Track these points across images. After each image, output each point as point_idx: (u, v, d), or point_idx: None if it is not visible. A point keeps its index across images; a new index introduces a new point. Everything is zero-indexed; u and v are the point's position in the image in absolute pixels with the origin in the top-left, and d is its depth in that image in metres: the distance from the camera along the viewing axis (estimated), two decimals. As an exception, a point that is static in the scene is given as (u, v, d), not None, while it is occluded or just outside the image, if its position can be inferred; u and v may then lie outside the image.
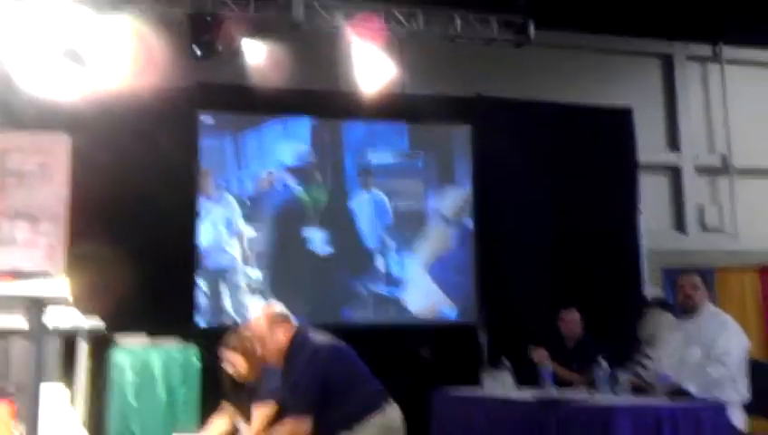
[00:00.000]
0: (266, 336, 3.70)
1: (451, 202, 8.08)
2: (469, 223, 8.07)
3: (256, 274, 7.43)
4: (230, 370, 4.29)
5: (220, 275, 7.34)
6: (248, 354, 4.20)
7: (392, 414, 3.76)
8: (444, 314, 7.82)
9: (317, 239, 7.65)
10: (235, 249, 7.42)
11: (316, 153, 7.79)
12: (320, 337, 3.81)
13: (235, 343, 4.26)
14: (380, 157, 7.96)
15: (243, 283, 7.39)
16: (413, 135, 8.09)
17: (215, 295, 7.29)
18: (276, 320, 3.71)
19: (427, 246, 7.93)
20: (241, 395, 4.39)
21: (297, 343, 3.73)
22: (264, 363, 4.20)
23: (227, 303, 7.32)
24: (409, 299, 7.76)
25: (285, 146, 7.73)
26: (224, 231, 7.42)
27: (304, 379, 3.62)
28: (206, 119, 7.53)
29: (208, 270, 7.31)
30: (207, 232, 7.37)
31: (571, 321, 6.33)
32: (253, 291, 7.39)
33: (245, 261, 7.43)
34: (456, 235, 8.04)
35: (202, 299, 7.26)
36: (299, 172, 7.72)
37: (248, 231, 7.48)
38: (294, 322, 3.81)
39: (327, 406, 3.59)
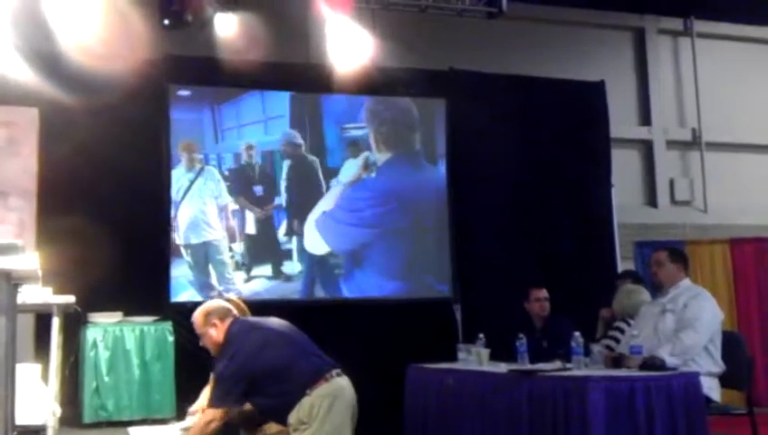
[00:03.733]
0: (203, 333, 4.01)
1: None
2: (443, 197, 8.06)
3: (240, 247, 7.39)
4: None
5: (205, 250, 7.27)
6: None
7: (336, 384, 3.91)
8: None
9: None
10: (219, 223, 7.36)
11: (295, 126, 7.73)
12: (254, 328, 4.04)
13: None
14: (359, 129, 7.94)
15: (228, 257, 7.34)
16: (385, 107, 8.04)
17: (200, 270, 7.23)
18: (213, 316, 3.99)
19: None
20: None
21: (228, 339, 3.96)
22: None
23: (213, 277, 7.27)
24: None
25: (264, 118, 7.68)
26: (209, 204, 7.35)
27: (225, 373, 3.86)
28: (182, 90, 7.44)
29: (193, 244, 7.25)
30: (193, 205, 7.28)
31: (543, 299, 6.35)
32: (238, 265, 7.34)
33: (230, 235, 7.37)
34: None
35: (188, 274, 7.20)
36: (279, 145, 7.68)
37: (231, 204, 7.42)
38: (232, 314, 4.05)
39: (263, 392, 3.87)
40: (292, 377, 3.86)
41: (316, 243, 7.61)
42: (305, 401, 3.80)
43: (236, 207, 7.44)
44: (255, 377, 3.87)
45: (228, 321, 4.02)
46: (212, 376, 4.57)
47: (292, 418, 3.81)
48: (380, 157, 7.92)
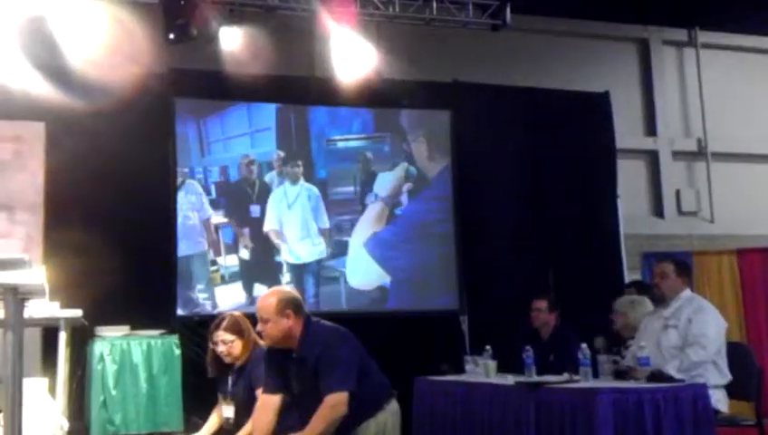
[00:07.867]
0: (273, 319, 3.70)
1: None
2: (449, 210, 8.05)
3: (226, 261, 7.30)
4: (221, 349, 4.35)
5: (190, 263, 7.19)
6: (243, 336, 4.34)
7: (396, 404, 3.86)
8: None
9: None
10: (202, 237, 7.28)
11: (283, 138, 7.63)
12: (329, 323, 3.85)
13: (231, 324, 4.37)
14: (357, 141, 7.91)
15: (212, 271, 7.27)
16: (384, 119, 8.01)
17: (185, 284, 7.14)
18: (289, 304, 3.72)
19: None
20: (226, 379, 4.45)
21: (313, 328, 3.75)
22: (256, 346, 4.32)
23: (197, 291, 7.17)
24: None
25: (250, 131, 7.60)
26: (192, 218, 7.26)
27: (342, 355, 3.63)
28: (181, 104, 7.33)
29: (178, 257, 7.15)
30: (179, 219, 7.20)
31: (536, 309, 6.34)
32: (223, 279, 7.27)
33: (214, 249, 7.30)
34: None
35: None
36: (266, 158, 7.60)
37: (217, 218, 7.33)
38: (304, 307, 3.83)
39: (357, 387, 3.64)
40: (371, 385, 3.72)
41: (367, 272, 7.62)
42: (381, 417, 3.71)
43: (222, 220, 7.31)
44: (359, 365, 3.70)
45: (303, 311, 3.78)
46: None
47: (370, 432, 3.68)
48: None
